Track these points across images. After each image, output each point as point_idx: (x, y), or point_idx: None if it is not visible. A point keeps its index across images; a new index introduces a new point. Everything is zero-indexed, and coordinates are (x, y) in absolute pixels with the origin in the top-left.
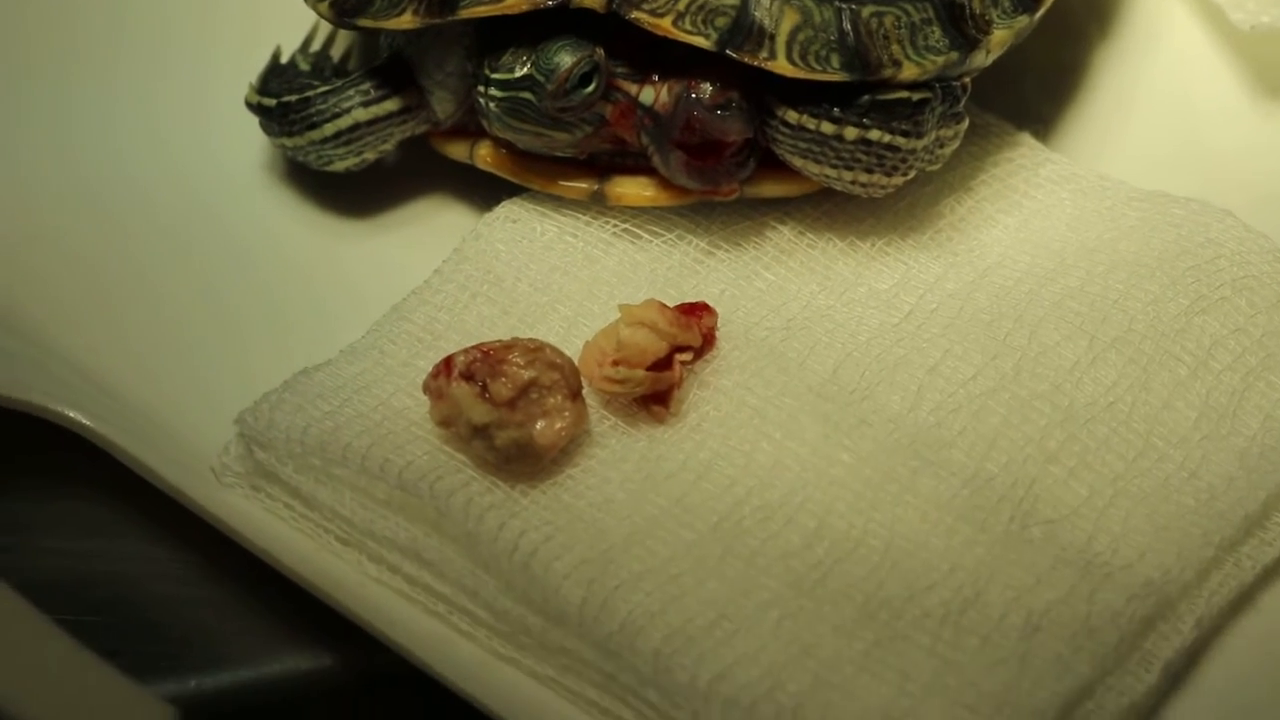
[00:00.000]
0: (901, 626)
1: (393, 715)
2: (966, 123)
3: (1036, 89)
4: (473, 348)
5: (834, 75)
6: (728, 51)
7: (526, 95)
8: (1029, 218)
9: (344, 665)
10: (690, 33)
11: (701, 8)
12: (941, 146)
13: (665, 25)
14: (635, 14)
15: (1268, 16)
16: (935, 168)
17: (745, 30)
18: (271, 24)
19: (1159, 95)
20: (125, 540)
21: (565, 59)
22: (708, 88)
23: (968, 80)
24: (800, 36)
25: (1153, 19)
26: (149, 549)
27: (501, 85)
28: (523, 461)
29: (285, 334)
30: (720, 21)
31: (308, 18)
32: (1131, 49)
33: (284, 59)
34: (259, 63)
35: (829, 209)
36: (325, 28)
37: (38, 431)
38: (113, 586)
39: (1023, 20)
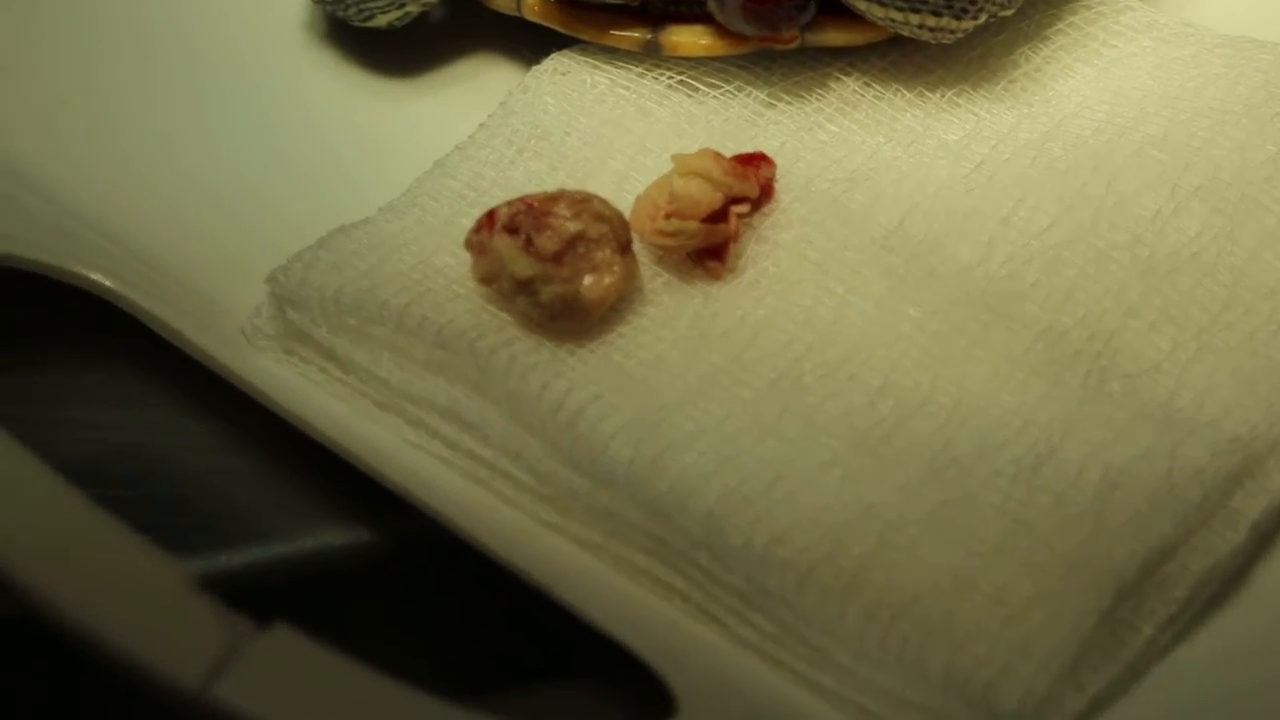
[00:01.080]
0: (970, 485)
1: (432, 588)
2: None
3: None
4: (517, 200)
5: None
6: None
7: None
8: (1108, 66)
9: (381, 538)
10: None
11: None
12: None
13: None
14: None
15: None
16: (1009, 13)
17: None
18: None
19: None
20: (153, 411)
21: None
22: None
23: None
24: None
25: None
26: (177, 420)
27: None
28: (569, 319)
29: (324, 197)
30: None
31: None
32: None
33: None
34: None
35: (896, 59)
36: None
37: (63, 298)
38: (140, 459)
39: None
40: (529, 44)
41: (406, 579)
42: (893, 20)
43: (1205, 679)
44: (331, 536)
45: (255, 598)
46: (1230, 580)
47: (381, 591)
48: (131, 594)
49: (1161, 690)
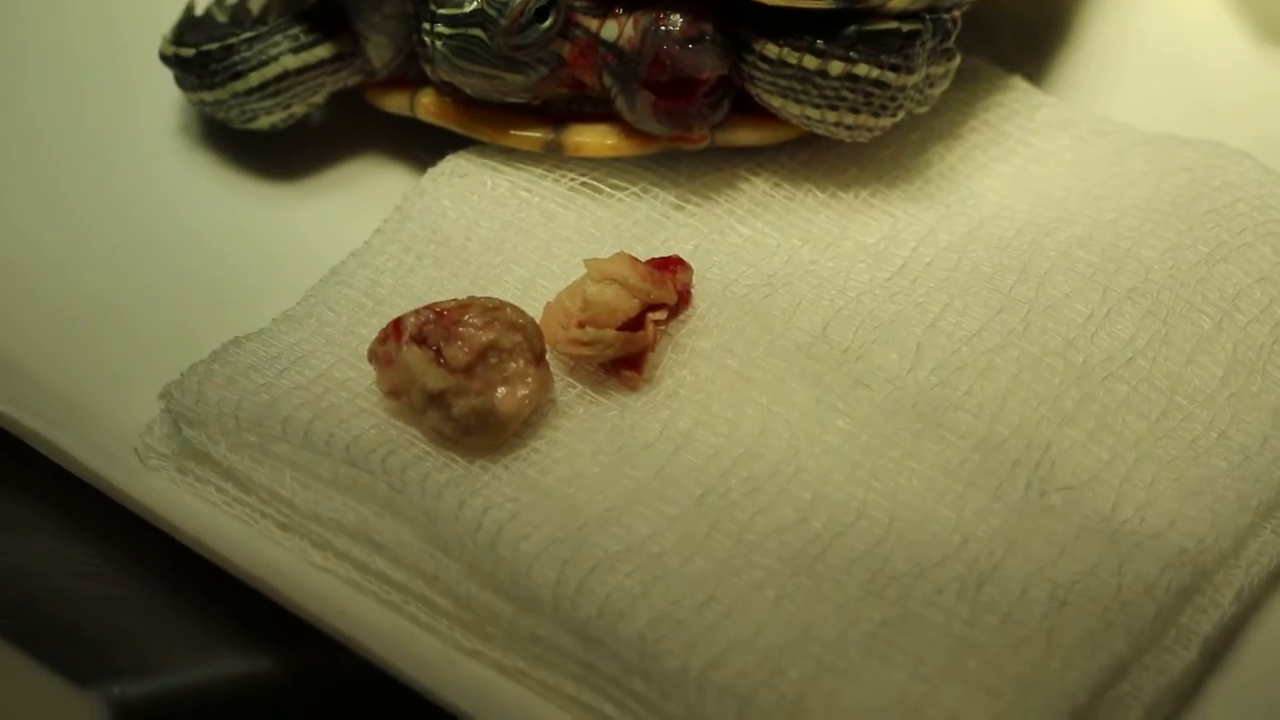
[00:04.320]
0: (912, 605)
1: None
2: (958, 60)
3: (1016, 41)
4: (425, 308)
5: (819, 2)
6: None
7: (477, 32)
8: (1026, 164)
9: (285, 667)
10: None
11: None
12: (931, 86)
13: None
14: None
15: None
16: (924, 110)
17: None
18: None
19: (1150, 41)
20: (38, 534)
21: None
22: (678, 19)
23: (958, 14)
24: None
25: None
26: (64, 544)
27: (450, 21)
28: (483, 433)
29: (211, 308)
30: None
31: None
32: None
33: (198, 11)
34: (170, 17)
35: (806, 158)
36: None
37: None
38: (25, 586)
39: None
40: (422, 144)
41: (311, 710)
42: (809, 118)
43: None
44: (231, 665)
45: None
46: (1182, 700)
47: None
48: None
49: None
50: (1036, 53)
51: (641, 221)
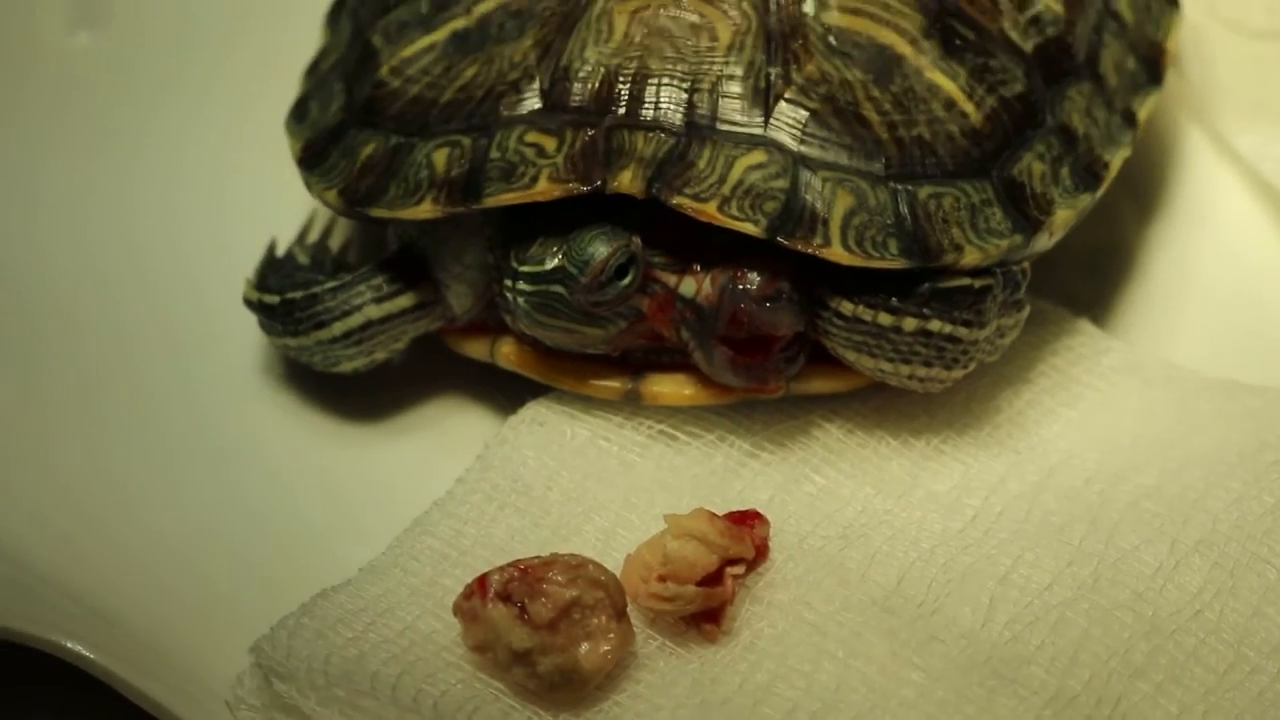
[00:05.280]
0: None
1: None
2: (1028, 310)
3: (1079, 274)
4: (509, 565)
5: (893, 262)
6: (779, 239)
7: (558, 289)
8: (1093, 410)
9: None
10: (737, 218)
11: (748, 191)
12: (1002, 336)
13: (710, 211)
14: (677, 199)
15: None
16: (994, 359)
17: (796, 215)
18: (259, 211)
19: (1214, 277)
20: None
21: (600, 249)
22: (755, 278)
23: (1027, 265)
24: (855, 221)
25: (1198, 197)
26: None
27: (531, 279)
28: (567, 689)
29: (295, 554)
30: (769, 206)
31: (302, 204)
32: (1179, 229)
33: (279, 252)
34: (254, 256)
35: (878, 405)
36: (323, 217)
37: (35, 665)
38: None
39: (1085, 199)
40: (502, 388)
41: None
42: (882, 371)
43: None
44: None
45: None
46: None
47: None
48: None
49: None
50: (1100, 285)
51: (718, 471)
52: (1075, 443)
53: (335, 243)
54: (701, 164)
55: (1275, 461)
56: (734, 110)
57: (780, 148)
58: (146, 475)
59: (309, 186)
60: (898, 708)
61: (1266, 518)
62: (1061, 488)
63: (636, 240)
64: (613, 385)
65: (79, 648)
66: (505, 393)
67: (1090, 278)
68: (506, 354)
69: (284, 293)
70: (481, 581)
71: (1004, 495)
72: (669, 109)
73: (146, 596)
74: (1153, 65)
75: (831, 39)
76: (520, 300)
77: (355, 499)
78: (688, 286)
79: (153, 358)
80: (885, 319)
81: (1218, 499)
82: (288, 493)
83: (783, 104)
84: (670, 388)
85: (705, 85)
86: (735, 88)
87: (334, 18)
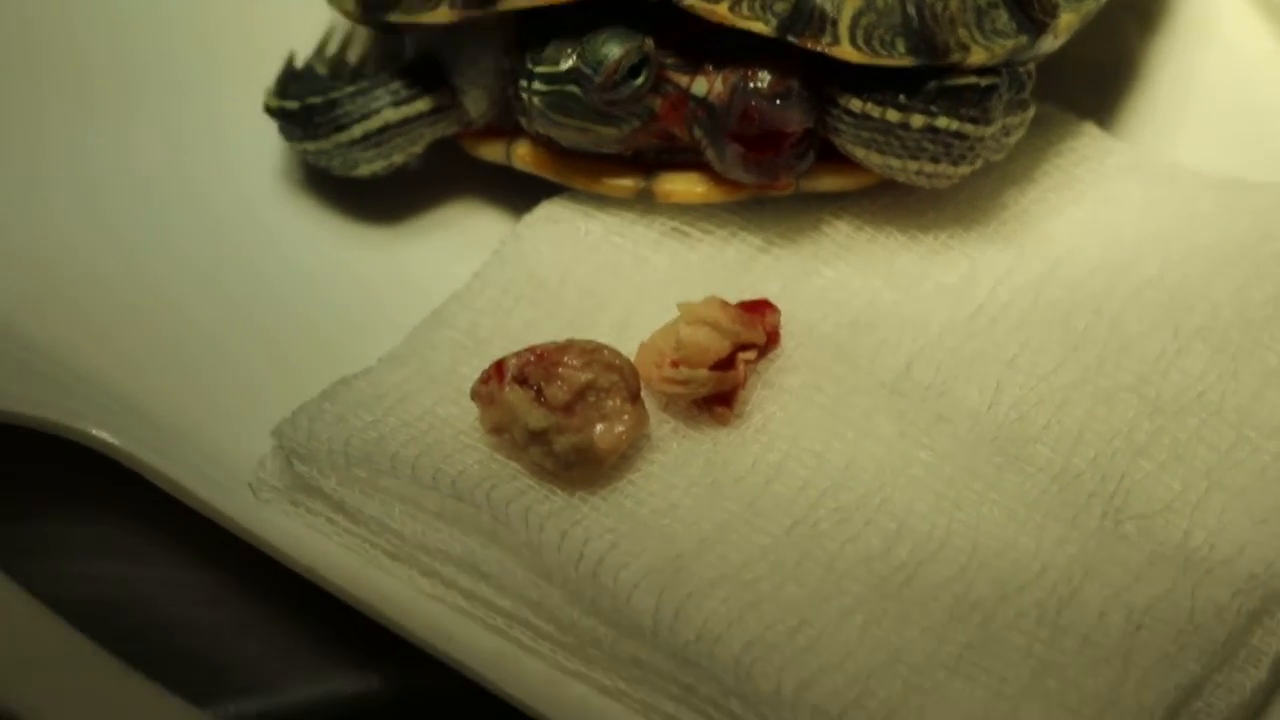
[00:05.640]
0: (995, 628)
1: None
2: (1033, 110)
3: (1085, 85)
4: (525, 350)
5: (901, 60)
6: (789, 37)
7: (572, 89)
8: (1097, 207)
9: (391, 687)
10: (748, 18)
11: None
12: (1007, 135)
13: (721, 11)
14: (689, 1)
15: None
16: (999, 157)
17: (806, 15)
18: (281, 29)
19: (1216, 84)
20: (156, 565)
21: (614, 50)
22: (766, 76)
23: (1032, 66)
24: (864, 21)
25: (1199, 13)
26: (181, 573)
27: (546, 79)
28: (582, 467)
29: (316, 347)
30: (780, 6)
31: (319, 21)
32: (1180, 40)
33: (299, 63)
34: (271, 70)
35: (887, 202)
36: (341, 31)
37: (64, 453)
38: (143, 612)
39: (1090, 4)
40: (517, 189)
41: None
42: (890, 167)
43: None
44: (341, 686)
45: None
46: (1254, 717)
47: None
48: None
49: None
50: (1105, 95)
51: (730, 265)
52: (1080, 237)
53: (353, 55)
54: None
55: (1276, 252)
56: None
57: None
58: (172, 273)
59: None
60: (906, 485)
61: (1267, 306)
62: (1066, 278)
63: (649, 41)
64: (626, 184)
65: (105, 435)
66: (521, 194)
67: (1095, 88)
68: (522, 155)
69: (304, 99)
70: (498, 366)
71: (1010, 286)
72: None
73: (171, 387)
74: None
75: None
76: (536, 101)
77: (375, 297)
78: (700, 86)
79: (177, 161)
80: (893, 115)
81: (1220, 288)
82: (309, 290)
83: None
84: (682, 185)
85: None
86: None
87: None
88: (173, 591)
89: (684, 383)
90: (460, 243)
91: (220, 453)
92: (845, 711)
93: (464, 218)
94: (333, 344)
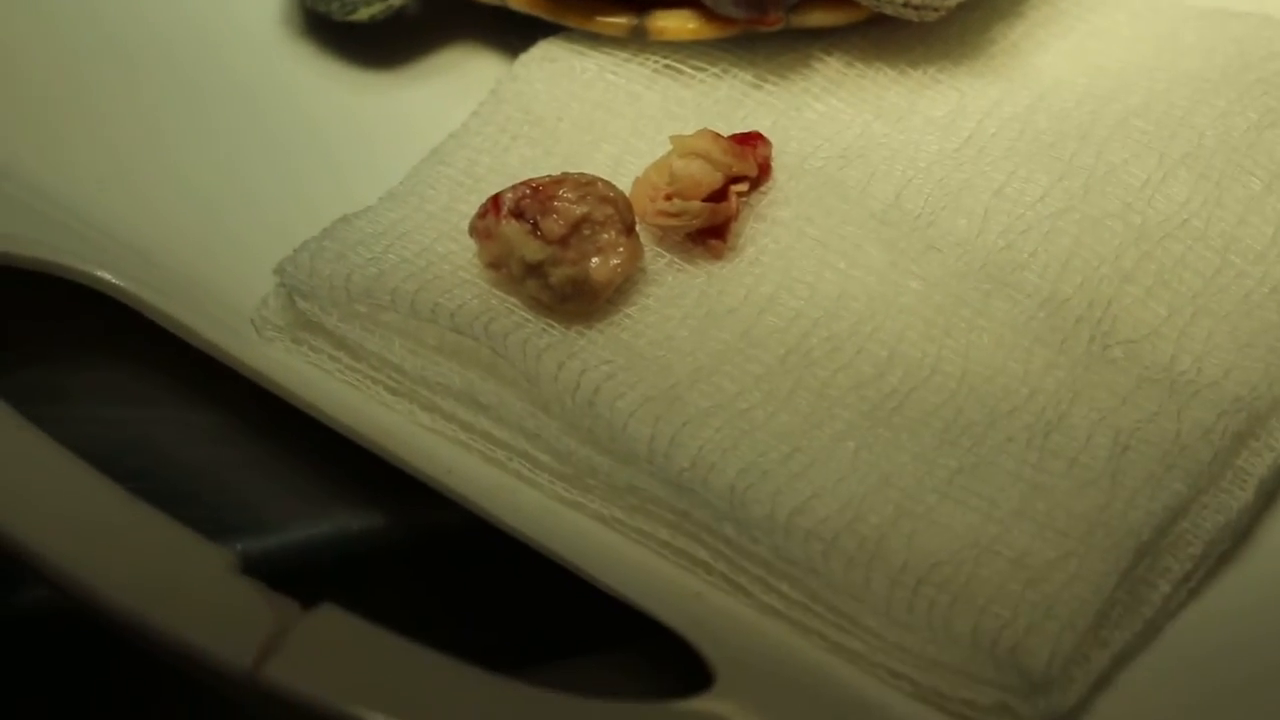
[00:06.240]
0: (984, 452)
1: (450, 569)
2: None
3: None
4: (521, 184)
5: None
6: None
7: None
8: (1083, 40)
9: (396, 522)
10: None
11: None
12: None
13: None
14: None
15: None
16: None
17: None
18: None
19: None
20: (160, 406)
21: None
22: None
23: None
24: None
25: None
26: (183, 413)
27: None
28: (579, 300)
29: (320, 187)
30: None
31: None
32: None
33: None
34: None
35: (876, 38)
36: None
37: (67, 296)
38: (149, 453)
39: None
40: (513, 32)
41: (425, 561)
42: (878, 0)
43: (1220, 631)
44: (346, 521)
45: (272, 585)
46: (1239, 537)
47: (400, 574)
48: (177, 580)
49: (1180, 643)
50: None
51: (722, 100)
52: (1066, 70)
53: None
54: None
55: (1259, 79)
56: None
57: None
58: (175, 117)
59: None
60: (898, 313)
61: (1250, 132)
62: (1053, 109)
63: None
64: (619, 21)
65: (108, 275)
66: (515, 35)
67: None
68: None
69: None
70: (495, 200)
71: (998, 117)
72: None
73: (174, 229)
74: None
75: None
76: None
77: (375, 138)
78: None
79: (179, 5)
80: None
81: (1203, 115)
82: (309, 134)
83: None
84: (675, 22)
85: None
86: None
87: None
88: (179, 432)
89: (677, 215)
90: (459, 86)
91: (223, 292)
92: (838, 535)
93: (462, 61)
94: (334, 186)
